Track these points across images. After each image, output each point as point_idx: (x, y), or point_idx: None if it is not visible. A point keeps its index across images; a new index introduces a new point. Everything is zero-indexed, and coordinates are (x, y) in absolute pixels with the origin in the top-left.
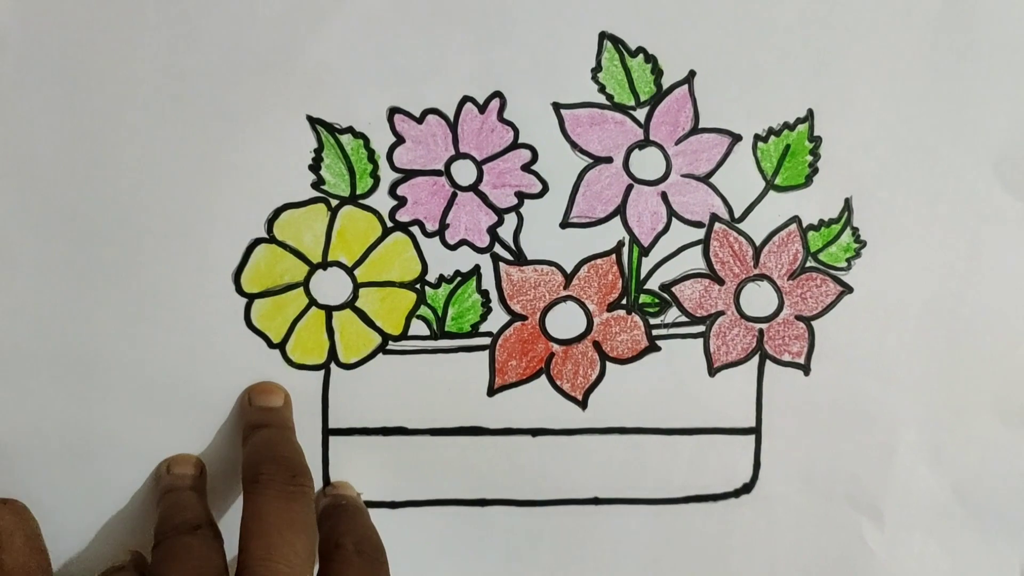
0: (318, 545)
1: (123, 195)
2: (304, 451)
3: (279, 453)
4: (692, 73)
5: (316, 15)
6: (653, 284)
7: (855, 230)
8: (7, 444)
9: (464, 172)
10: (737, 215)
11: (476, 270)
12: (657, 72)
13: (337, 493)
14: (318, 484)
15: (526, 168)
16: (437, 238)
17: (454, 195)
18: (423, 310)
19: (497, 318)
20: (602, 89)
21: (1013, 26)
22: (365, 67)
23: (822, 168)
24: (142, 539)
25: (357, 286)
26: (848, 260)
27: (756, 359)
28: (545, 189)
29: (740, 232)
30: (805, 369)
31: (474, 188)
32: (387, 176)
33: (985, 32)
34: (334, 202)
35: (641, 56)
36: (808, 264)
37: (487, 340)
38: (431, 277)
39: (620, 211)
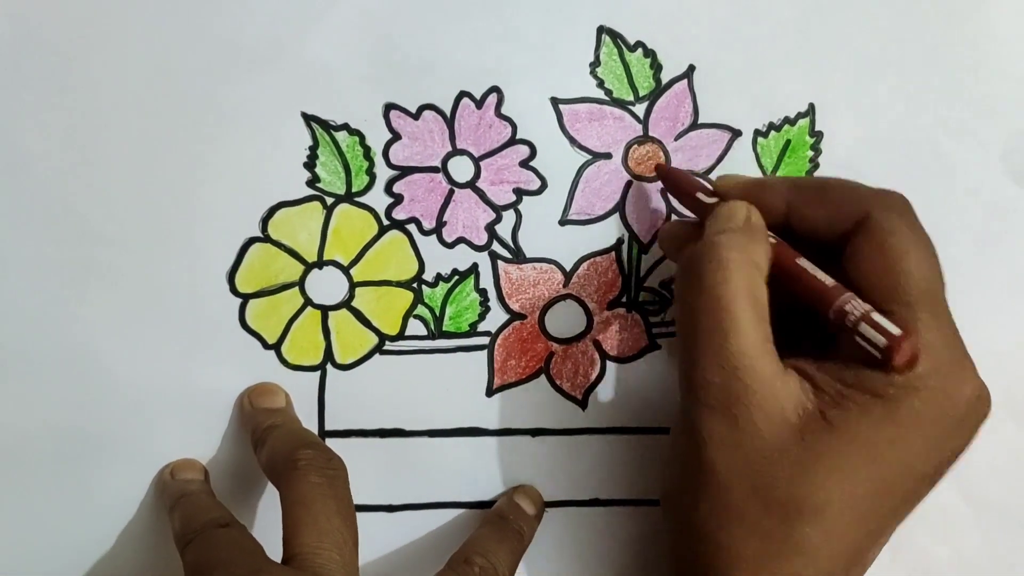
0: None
1: (115, 194)
2: None
3: (309, 439)
4: (692, 67)
5: (310, 11)
6: (653, 281)
7: None
8: (2, 444)
9: (461, 169)
10: None
11: (474, 268)
12: (656, 67)
13: (516, 504)
14: None
15: (524, 164)
16: (434, 236)
17: (451, 192)
18: (420, 309)
19: (496, 317)
20: (601, 84)
21: (1019, 16)
22: (360, 63)
23: (823, 163)
24: (140, 543)
25: (353, 285)
26: None
27: None
28: (544, 186)
29: None
30: None
31: (471, 185)
32: (383, 173)
33: (990, 22)
34: (329, 200)
35: (640, 50)
36: None
37: (486, 339)
38: (428, 276)
39: (620, 208)
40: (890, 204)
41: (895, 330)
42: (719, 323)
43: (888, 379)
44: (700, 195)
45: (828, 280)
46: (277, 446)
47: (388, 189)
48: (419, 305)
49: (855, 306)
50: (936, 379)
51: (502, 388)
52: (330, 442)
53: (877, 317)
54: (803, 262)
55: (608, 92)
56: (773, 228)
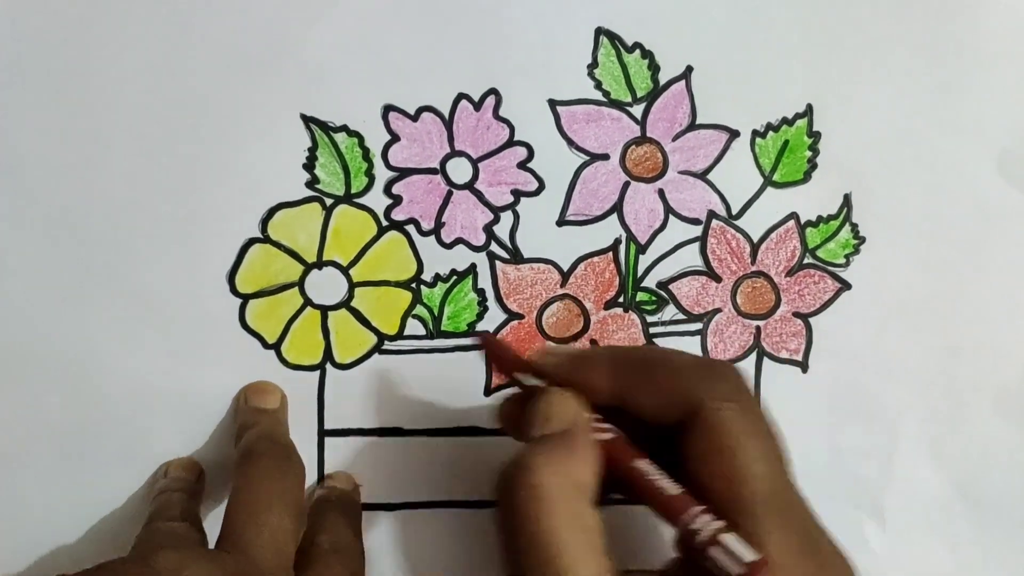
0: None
1: (116, 196)
2: (299, 452)
3: (276, 436)
4: (689, 68)
5: (310, 13)
6: (650, 282)
7: (854, 226)
8: (2, 447)
9: (459, 170)
10: (735, 212)
11: (472, 269)
12: (654, 68)
13: (331, 486)
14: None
15: (522, 166)
16: (433, 237)
17: (450, 193)
18: (419, 309)
19: (494, 317)
20: (598, 85)
21: (1014, 18)
22: (359, 65)
23: (821, 164)
24: None
25: (352, 286)
26: (847, 257)
27: (753, 356)
28: (541, 187)
29: (738, 229)
30: (803, 366)
31: (470, 186)
32: (382, 174)
33: (986, 24)
34: (329, 201)
35: (638, 52)
36: (806, 261)
37: None
38: (427, 276)
39: (617, 208)
40: (721, 391)
41: (749, 556)
42: (545, 568)
43: None
44: (519, 376)
45: (671, 488)
46: (245, 440)
47: (387, 190)
48: (418, 305)
49: (704, 524)
50: None
51: (500, 387)
52: (330, 441)
53: (729, 540)
54: (641, 464)
55: (606, 93)
56: (602, 408)
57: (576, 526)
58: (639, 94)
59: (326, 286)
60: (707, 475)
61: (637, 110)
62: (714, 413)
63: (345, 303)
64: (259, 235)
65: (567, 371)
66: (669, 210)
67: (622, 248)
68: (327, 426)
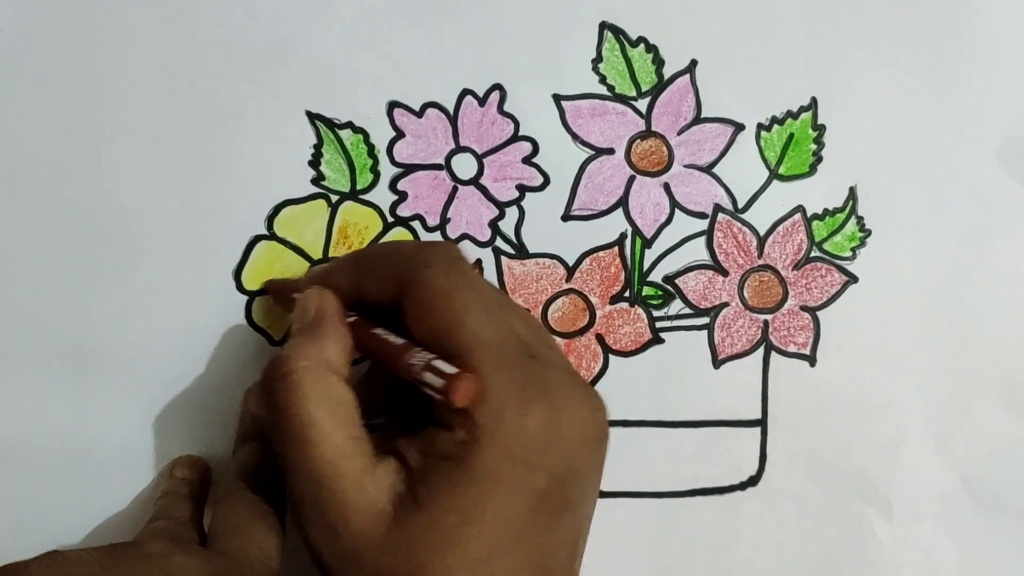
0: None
1: (122, 194)
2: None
3: (254, 476)
4: (694, 62)
5: (314, 9)
6: (656, 276)
7: (860, 219)
8: (7, 444)
9: (465, 166)
10: (741, 205)
11: (478, 264)
12: (658, 62)
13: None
14: None
15: (527, 161)
16: (438, 233)
17: (455, 189)
18: None
19: None
20: (603, 80)
21: (1015, 12)
22: (364, 61)
23: (826, 157)
24: None
25: None
26: (853, 249)
27: (761, 350)
28: (546, 182)
29: (744, 222)
30: (811, 360)
31: (475, 182)
32: (387, 171)
33: (988, 18)
34: (334, 198)
35: (642, 46)
36: (813, 254)
37: None
38: None
39: (622, 203)
40: (422, 259)
41: (451, 370)
42: (299, 440)
43: (454, 436)
44: (295, 295)
45: (398, 340)
46: (224, 483)
47: (392, 186)
48: None
49: (419, 357)
50: (492, 421)
51: None
52: None
53: (438, 363)
54: (378, 331)
55: (610, 88)
56: (354, 308)
57: (327, 400)
58: (644, 88)
59: None
60: (421, 333)
61: (642, 104)
62: (416, 274)
63: None
64: (265, 232)
65: (319, 280)
66: (675, 204)
67: (628, 242)
68: None
